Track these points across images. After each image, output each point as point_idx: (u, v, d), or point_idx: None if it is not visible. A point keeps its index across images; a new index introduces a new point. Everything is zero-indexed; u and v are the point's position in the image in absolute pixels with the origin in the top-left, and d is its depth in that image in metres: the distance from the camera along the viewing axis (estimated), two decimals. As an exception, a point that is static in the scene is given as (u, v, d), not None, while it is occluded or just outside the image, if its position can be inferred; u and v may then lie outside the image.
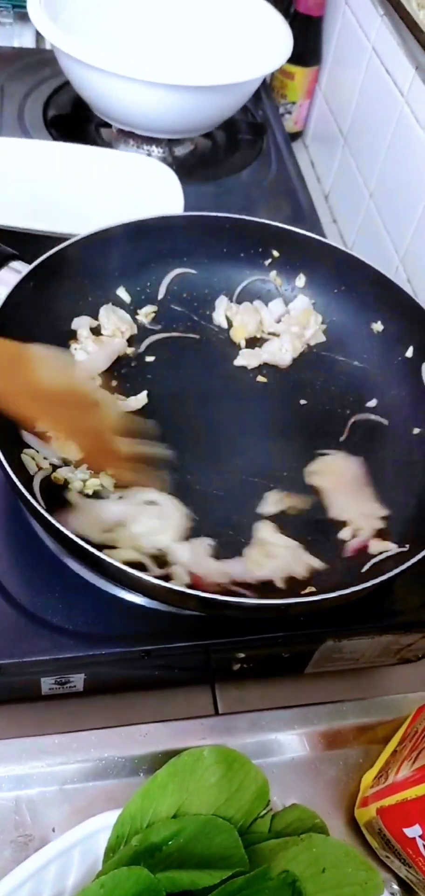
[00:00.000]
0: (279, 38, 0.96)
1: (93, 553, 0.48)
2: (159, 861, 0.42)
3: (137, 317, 0.72)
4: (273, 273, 0.76)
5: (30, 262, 0.63)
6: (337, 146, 1.15)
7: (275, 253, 0.75)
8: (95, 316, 0.70)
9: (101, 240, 0.68)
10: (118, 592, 0.56)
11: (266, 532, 0.59)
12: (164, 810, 0.45)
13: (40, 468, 0.57)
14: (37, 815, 0.49)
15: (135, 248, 0.71)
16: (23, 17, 1.24)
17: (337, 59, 1.16)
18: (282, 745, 0.53)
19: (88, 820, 0.45)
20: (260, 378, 0.71)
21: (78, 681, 0.57)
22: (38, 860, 0.44)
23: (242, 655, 0.58)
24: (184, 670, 0.59)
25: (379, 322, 0.73)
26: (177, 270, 0.74)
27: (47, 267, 0.64)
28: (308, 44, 1.18)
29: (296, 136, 1.28)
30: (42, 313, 0.65)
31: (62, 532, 0.49)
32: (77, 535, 0.48)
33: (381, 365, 0.71)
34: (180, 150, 1.01)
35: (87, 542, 0.48)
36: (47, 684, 0.56)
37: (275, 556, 0.57)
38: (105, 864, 0.44)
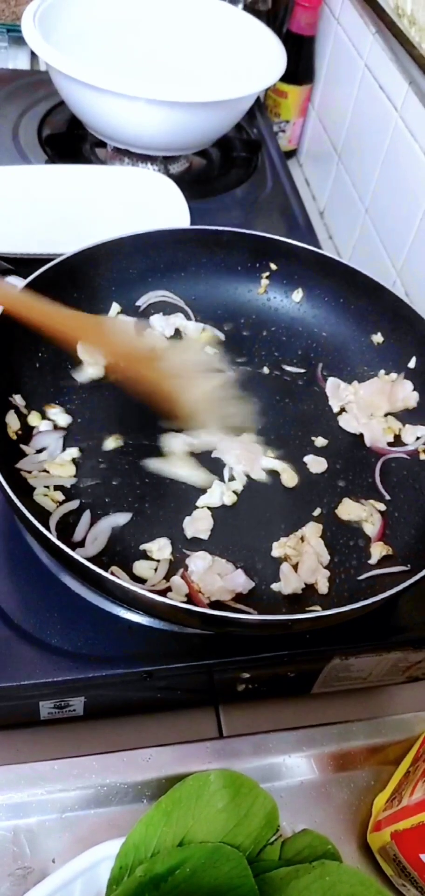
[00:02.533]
0: (273, 56, 0.97)
1: (93, 570, 0.46)
2: (165, 893, 0.40)
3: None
4: (265, 283, 0.75)
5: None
6: (331, 163, 1.16)
7: (273, 266, 0.75)
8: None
9: (96, 254, 0.68)
10: (119, 611, 0.54)
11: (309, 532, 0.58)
12: (169, 838, 0.43)
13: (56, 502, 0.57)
14: (36, 846, 0.47)
15: (130, 262, 0.70)
16: (18, 41, 1.25)
17: (329, 76, 1.17)
18: (290, 769, 0.51)
19: (90, 850, 0.44)
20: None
21: (77, 704, 0.55)
22: (38, 894, 0.42)
23: (247, 676, 0.56)
24: (187, 692, 0.58)
25: (379, 334, 0.72)
26: (160, 293, 0.74)
27: (43, 282, 0.63)
28: (301, 63, 1.19)
29: (290, 154, 1.29)
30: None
31: (61, 549, 0.47)
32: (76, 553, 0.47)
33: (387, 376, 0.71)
34: (175, 168, 1.01)
35: (87, 558, 0.47)
36: (46, 708, 0.55)
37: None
38: (108, 898, 0.42)
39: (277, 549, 0.57)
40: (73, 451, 0.60)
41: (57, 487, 0.58)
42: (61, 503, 0.57)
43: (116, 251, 0.69)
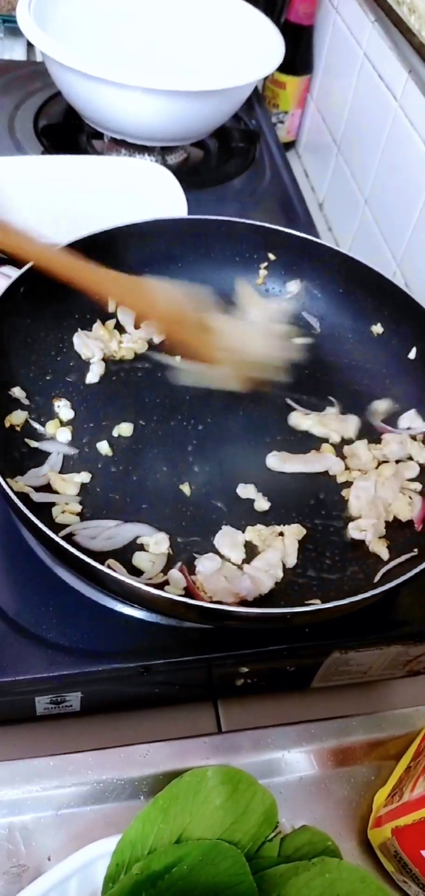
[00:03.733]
0: (271, 45, 0.96)
1: (89, 564, 0.46)
2: (162, 890, 0.40)
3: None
4: (263, 273, 0.74)
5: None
6: (330, 154, 1.15)
7: (271, 256, 0.74)
8: (85, 320, 0.68)
9: (92, 244, 0.66)
10: (116, 605, 0.53)
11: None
12: (166, 835, 0.42)
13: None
14: (31, 843, 0.46)
15: (126, 252, 0.69)
16: (13, 32, 1.24)
17: (328, 67, 1.16)
18: (289, 764, 0.51)
19: (86, 847, 0.43)
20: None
21: (74, 699, 0.54)
22: (33, 892, 0.41)
23: (246, 670, 0.55)
24: (185, 687, 0.57)
25: (379, 324, 0.71)
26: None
27: (35, 273, 0.62)
28: (299, 53, 1.17)
29: (288, 145, 1.28)
30: (36, 317, 0.64)
31: (56, 541, 0.46)
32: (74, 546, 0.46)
33: (383, 368, 0.70)
34: (173, 159, 1.00)
35: (84, 551, 0.46)
36: (42, 704, 0.54)
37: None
38: (104, 895, 0.41)
39: (249, 533, 0.56)
40: (84, 476, 0.58)
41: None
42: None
43: (111, 241, 0.68)
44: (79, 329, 0.67)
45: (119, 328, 0.70)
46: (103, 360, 0.66)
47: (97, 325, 0.68)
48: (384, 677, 0.61)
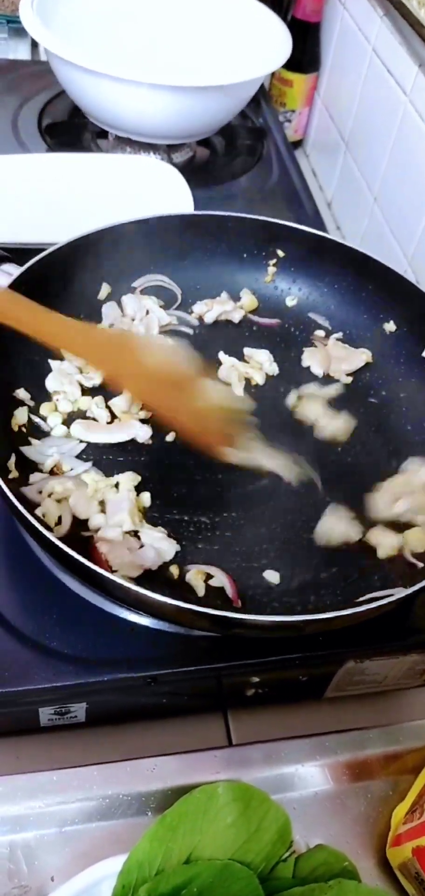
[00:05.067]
0: (278, 40, 0.94)
1: (93, 570, 0.44)
2: (171, 914, 0.38)
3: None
4: (272, 271, 0.73)
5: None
6: (338, 152, 1.13)
7: (280, 252, 0.72)
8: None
9: (96, 241, 0.65)
10: (122, 613, 0.52)
11: None
12: (175, 855, 0.40)
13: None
14: (34, 863, 0.44)
15: (131, 249, 0.68)
16: (18, 32, 1.23)
17: (336, 63, 1.14)
18: (302, 779, 0.49)
19: (91, 867, 0.41)
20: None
21: (79, 710, 0.52)
22: (36, 915, 0.39)
23: (257, 680, 0.54)
24: (193, 697, 0.55)
25: (392, 322, 0.69)
26: (158, 277, 0.71)
27: (41, 269, 0.61)
28: (306, 50, 1.16)
29: (296, 145, 1.26)
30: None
31: (62, 549, 0.45)
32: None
33: (396, 366, 0.68)
34: (178, 157, 0.98)
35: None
36: (46, 715, 0.52)
37: None
38: (110, 919, 0.39)
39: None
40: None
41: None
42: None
43: (117, 238, 0.67)
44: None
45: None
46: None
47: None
48: (400, 686, 0.59)
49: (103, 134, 0.99)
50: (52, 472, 0.56)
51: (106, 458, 0.58)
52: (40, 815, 0.45)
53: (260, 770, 0.48)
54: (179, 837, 0.40)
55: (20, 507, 0.46)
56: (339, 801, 0.49)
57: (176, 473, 0.58)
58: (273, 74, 1.21)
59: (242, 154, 1.02)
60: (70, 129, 1.00)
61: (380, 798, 0.49)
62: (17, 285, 0.59)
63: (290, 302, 0.73)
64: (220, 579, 0.51)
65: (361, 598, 0.52)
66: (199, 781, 0.44)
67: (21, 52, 1.25)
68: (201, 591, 0.51)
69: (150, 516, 0.55)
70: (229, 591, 0.51)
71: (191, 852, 0.40)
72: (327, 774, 0.49)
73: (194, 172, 0.95)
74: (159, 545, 0.52)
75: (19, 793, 0.45)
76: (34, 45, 1.21)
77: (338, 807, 0.48)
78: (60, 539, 0.45)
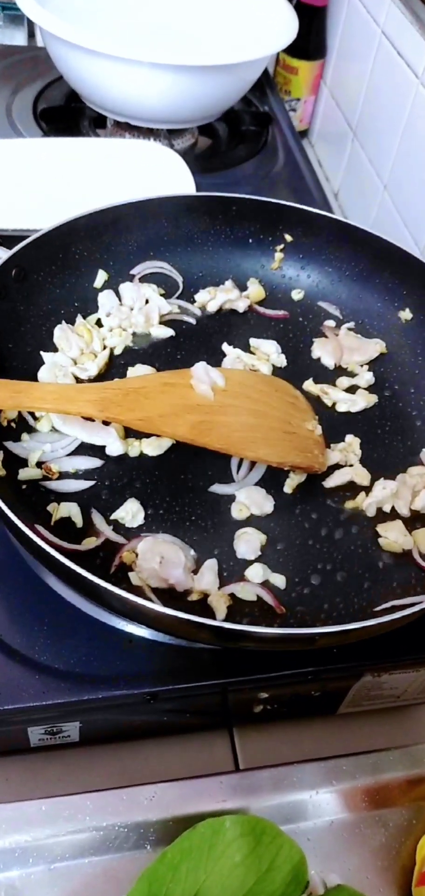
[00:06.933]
0: (282, 20, 0.91)
1: (89, 579, 0.40)
2: None
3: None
4: (279, 257, 0.68)
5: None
6: (345, 141, 1.09)
7: (288, 237, 0.68)
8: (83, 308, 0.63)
9: (90, 224, 0.61)
10: (118, 624, 0.48)
11: None
12: (178, 897, 0.36)
13: None
14: (20, 904, 0.40)
15: (130, 232, 0.64)
16: (14, 19, 1.19)
17: (343, 48, 1.10)
18: (317, 807, 0.44)
19: (83, 910, 0.37)
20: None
21: (72, 730, 0.49)
22: None
23: (265, 696, 0.50)
24: (196, 715, 0.52)
25: (408, 310, 0.65)
26: (158, 264, 0.66)
27: (28, 255, 0.57)
28: (312, 36, 1.12)
29: (301, 135, 1.22)
30: (30, 304, 0.58)
31: (47, 552, 0.40)
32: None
33: (412, 356, 0.64)
34: (180, 144, 0.94)
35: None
36: (36, 735, 0.48)
37: None
38: None
39: None
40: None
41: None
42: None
43: (113, 222, 0.63)
44: (63, 322, 0.61)
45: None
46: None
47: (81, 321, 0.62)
48: (418, 701, 0.55)
49: (101, 120, 0.96)
50: (41, 470, 0.52)
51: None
52: (27, 850, 0.41)
53: (270, 797, 0.44)
54: (182, 878, 0.36)
55: (5, 510, 0.42)
56: (358, 830, 0.44)
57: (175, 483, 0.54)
58: (277, 61, 1.17)
59: (246, 140, 0.98)
60: (66, 114, 0.96)
61: (403, 827, 0.45)
62: (5, 270, 0.55)
63: (298, 291, 0.69)
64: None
65: (380, 608, 0.48)
66: (203, 811, 0.40)
67: (17, 40, 1.22)
68: (222, 615, 0.46)
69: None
70: (267, 598, 0.47)
71: (195, 894, 0.36)
72: (343, 801, 0.45)
73: (196, 160, 0.92)
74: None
75: (3, 825, 0.41)
76: (31, 34, 1.18)
77: (357, 837, 0.44)
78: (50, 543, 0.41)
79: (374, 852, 0.44)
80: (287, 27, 0.90)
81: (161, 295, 0.65)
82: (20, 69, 1.03)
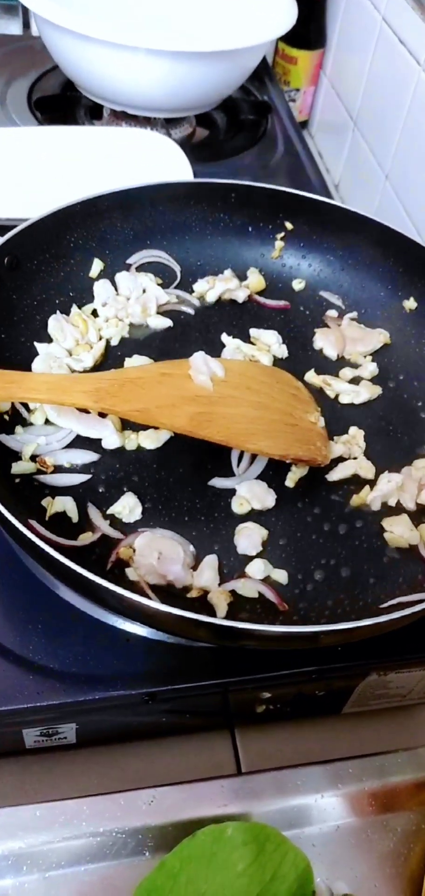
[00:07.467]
0: (282, 7, 0.89)
1: (84, 576, 0.38)
2: None
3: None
4: (279, 245, 0.67)
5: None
6: (346, 131, 1.07)
7: (289, 225, 0.66)
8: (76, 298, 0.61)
9: (85, 212, 0.60)
10: (116, 622, 0.47)
11: None
12: (178, 908, 0.34)
13: None
14: (13, 914, 0.39)
15: (125, 220, 0.63)
16: (8, 10, 1.18)
17: (343, 37, 1.08)
18: (322, 811, 0.43)
19: (79, 922, 0.35)
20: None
21: (68, 731, 0.48)
22: None
23: (268, 696, 0.49)
24: (197, 716, 0.50)
25: (412, 299, 0.64)
26: (155, 253, 0.65)
27: (21, 243, 0.55)
28: (311, 25, 1.10)
29: (301, 126, 1.20)
30: (22, 292, 0.57)
31: (44, 550, 0.39)
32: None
33: (417, 347, 0.62)
34: (177, 133, 0.93)
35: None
36: (31, 737, 0.47)
37: None
38: None
39: None
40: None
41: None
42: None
43: (109, 209, 0.62)
44: (58, 312, 0.59)
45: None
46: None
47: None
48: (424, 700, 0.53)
49: (97, 110, 0.94)
50: (35, 464, 0.50)
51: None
52: (20, 857, 0.40)
53: (273, 801, 0.42)
54: (181, 888, 0.35)
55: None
56: (365, 835, 0.43)
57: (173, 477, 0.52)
58: (276, 51, 1.15)
59: (245, 130, 0.97)
60: (62, 104, 0.94)
61: (411, 832, 0.43)
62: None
63: (299, 280, 0.67)
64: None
65: (386, 604, 0.46)
66: (204, 816, 0.38)
67: (12, 30, 1.20)
68: (223, 612, 0.45)
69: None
70: (269, 595, 0.46)
71: (195, 905, 0.34)
72: (350, 805, 0.43)
73: (193, 149, 0.90)
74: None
75: (-4, 831, 0.39)
76: (26, 24, 1.16)
77: (364, 843, 0.42)
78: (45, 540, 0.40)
79: (382, 858, 0.42)
80: (286, 14, 0.89)
81: (158, 285, 0.64)
82: (15, 59, 1.01)
